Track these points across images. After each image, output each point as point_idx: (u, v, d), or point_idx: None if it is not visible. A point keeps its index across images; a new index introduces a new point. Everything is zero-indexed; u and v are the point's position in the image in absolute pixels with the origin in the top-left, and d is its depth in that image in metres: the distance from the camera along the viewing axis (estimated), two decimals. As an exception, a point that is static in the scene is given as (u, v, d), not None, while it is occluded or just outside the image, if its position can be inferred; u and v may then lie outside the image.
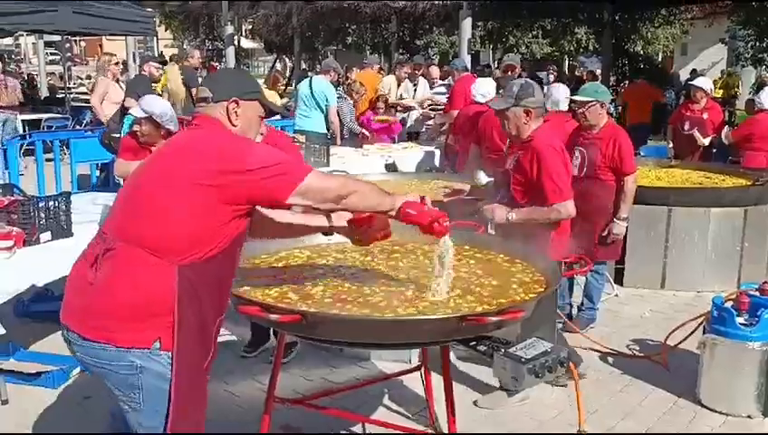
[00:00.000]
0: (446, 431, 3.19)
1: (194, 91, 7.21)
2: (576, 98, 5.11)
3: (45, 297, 4.88)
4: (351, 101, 9.27)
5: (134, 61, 17.25)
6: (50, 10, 10.89)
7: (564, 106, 6.09)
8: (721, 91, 17.37)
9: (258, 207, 2.38)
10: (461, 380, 4.11)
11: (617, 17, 14.66)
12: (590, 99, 4.91)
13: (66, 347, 2.32)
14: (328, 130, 8.41)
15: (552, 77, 12.96)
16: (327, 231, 2.84)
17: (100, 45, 33.11)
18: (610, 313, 5.48)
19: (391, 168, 7.42)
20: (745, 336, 3.80)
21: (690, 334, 4.37)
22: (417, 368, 3.68)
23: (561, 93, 6.16)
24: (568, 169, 3.84)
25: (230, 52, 16.12)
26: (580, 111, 4.98)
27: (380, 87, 10.09)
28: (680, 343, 4.45)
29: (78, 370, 4.11)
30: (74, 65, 33.16)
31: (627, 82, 15.25)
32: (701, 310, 4.38)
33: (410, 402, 3.96)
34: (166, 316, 2.16)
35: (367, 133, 8.93)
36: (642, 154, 8.18)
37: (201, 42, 26.89)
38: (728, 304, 3.89)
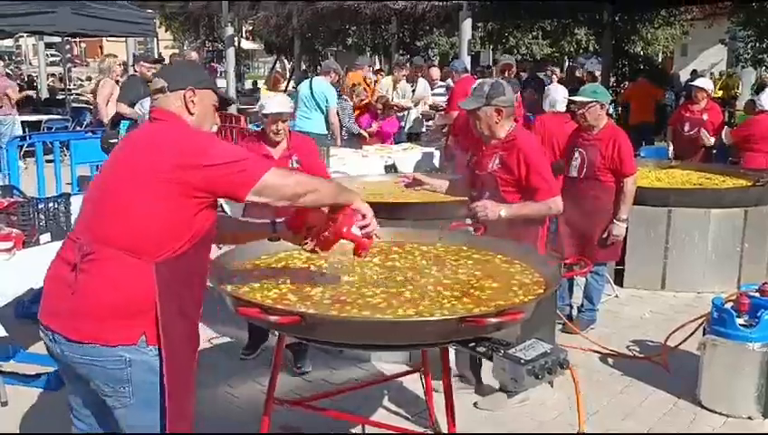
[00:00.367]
0: (446, 432, 3.18)
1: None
2: (576, 98, 5.11)
3: (45, 299, 4.86)
4: (352, 103, 9.27)
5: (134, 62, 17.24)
6: (50, 11, 10.90)
7: (562, 107, 6.09)
8: (721, 92, 17.36)
9: None
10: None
11: (617, 18, 14.65)
12: (589, 99, 4.91)
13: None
14: (328, 130, 8.41)
15: (555, 78, 12.95)
16: (273, 237, 2.84)
17: (101, 47, 33.17)
18: (610, 314, 5.47)
19: (391, 169, 7.43)
20: (745, 337, 3.80)
21: (690, 335, 4.36)
22: (417, 369, 3.68)
23: (559, 94, 6.16)
24: (549, 165, 3.90)
25: (230, 53, 16.13)
26: (580, 111, 4.98)
27: (379, 89, 10.10)
28: (680, 344, 4.45)
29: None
30: (74, 66, 33.15)
31: (626, 82, 15.23)
32: (701, 311, 4.38)
33: (410, 404, 3.96)
34: (149, 313, 2.22)
35: (365, 134, 8.94)
36: (642, 155, 8.18)
37: (201, 43, 26.88)
38: (728, 305, 3.89)
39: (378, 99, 9.47)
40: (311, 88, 8.38)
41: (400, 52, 17.93)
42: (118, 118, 7.43)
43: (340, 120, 8.66)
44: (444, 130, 8.25)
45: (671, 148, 8.07)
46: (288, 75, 20.47)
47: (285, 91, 12.96)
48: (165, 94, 2.42)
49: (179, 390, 2.30)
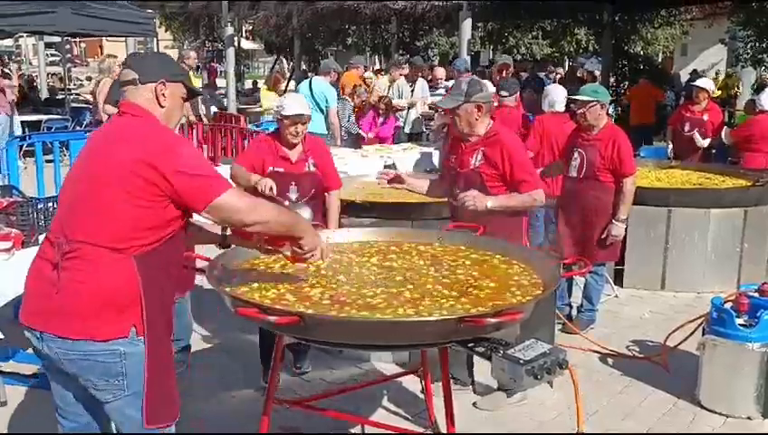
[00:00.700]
0: (446, 433, 3.18)
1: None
2: (576, 98, 5.12)
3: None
4: (352, 104, 9.27)
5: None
6: (50, 11, 10.90)
7: (561, 107, 6.09)
8: (720, 92, 17.36)
9: None
10: (460, 381, 4.10)
11: (617, 18, 14.64)
12: (589, 99, 4.91)
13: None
14: (328, 130, 8.41)
15: (557, 76, 12.95)
16: (223, 244, 2.86)
17: (101, 47, 33.18)
18: (610, 314, 5.47)
19: (390, 169, 7.41)
20: (745, 337, 3.80)
21: (690, 335, 4.36)
22: (417, 370, 3.68)
23: (558, 95, 6.16)
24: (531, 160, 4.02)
25: (230, 53, 16.13)
26: (580, 111, 4.98)
27: (377, 88, 10.09)
28: (680, 344, 4.45)
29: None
30: (74, 66, 33.16)
31: (627, 82, 15.23)
32: (701, 311, 4.37)
33: (409, 404, 3.95)
34: (135, 305, 2.27)
35: (363, 135, 8.94)
36: (642, 155, 8.18)
37: (201, 43, 26.87)
38: (728, 306, 3.89)
39: (380, 99, 9.47)
40: (310, 88, 8.38)
41: (400, 51, 17.92)
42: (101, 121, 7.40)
43: (339, 121, 8.65)
44: (444, 130, 8.24)
45: (671, 148, 8.07)
46: (288, 75, 20.48)
47: (285, 91, 12.95)
48: (135, 86, 2.41)
49: (163, 375, 2.35)
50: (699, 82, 8.23)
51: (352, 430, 3.68)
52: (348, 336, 2.49)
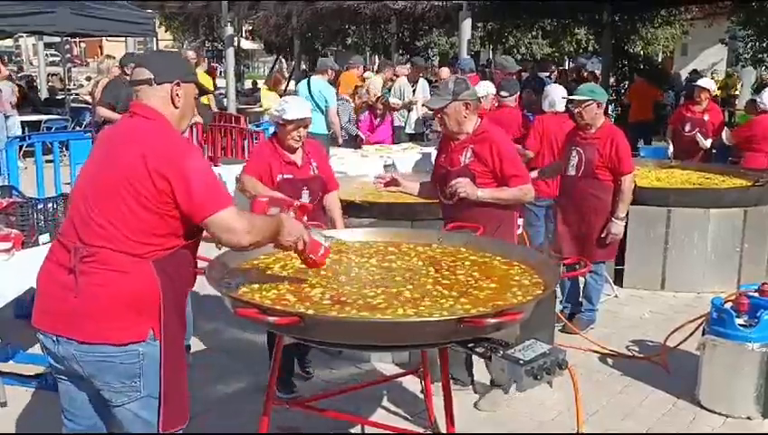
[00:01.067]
0: (445, 433, 3.18)
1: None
2: (572, 97, 5.14)
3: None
4: (353, 104, 9.28)
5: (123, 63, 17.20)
6: (50, 11, 10.89)
7: (561, 107, 6.09)
8: (720, 91, 17.36)
9: None
10: (460, 381, 4.10)
11: (616, 18, 14.64)
12: (586, 98, 4.92)
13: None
14: (328, 130, 8.40)
15: (553, 76, 12.95)
16: (218, 244, 2.86)
17: (100, 47, 33.16)
18: (610, 314, 5.47)
19: (390, 169, 7.42)
20: (745, 337, 3.80)
21: (690, 335, 4.36)
22: (417, 370, 3.68)
23: (558, 94, 6.16)
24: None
25: (230, 53, 16.12)
26: (577, 110, 4.99)
27: (371, 88, 10.10)
28: (680, 344, 4.45)
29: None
30: (74, 66, 33.14)
31: (626, 82, 15.23)
32: (701, 311, 4.38)
33: (409, 404, 3.96)
34: (154, 308, 2.27)
35: (362, 135, 8.95)
36: (642, 155, 8.18)
37: (201, 43, 26.86)
38: (728, 306, 3.89)
39: (378, 99, 9.47)
40: (309, 88, 8.36)
41: (400, 51, 17.92)
42: (100, 123, 7.35)
43: (339, 120, 8.65)
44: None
45: (671, 148, 8.06)
46: (288, 75, 20.47)
47: (285, 91, 12.95)
48: (150, 86, 2.37)
49: (178, 377, 2.36)
50: (700, 82, 8.23)
51: (352, 430, 3.68)
52: (348, 337, 2.49)
